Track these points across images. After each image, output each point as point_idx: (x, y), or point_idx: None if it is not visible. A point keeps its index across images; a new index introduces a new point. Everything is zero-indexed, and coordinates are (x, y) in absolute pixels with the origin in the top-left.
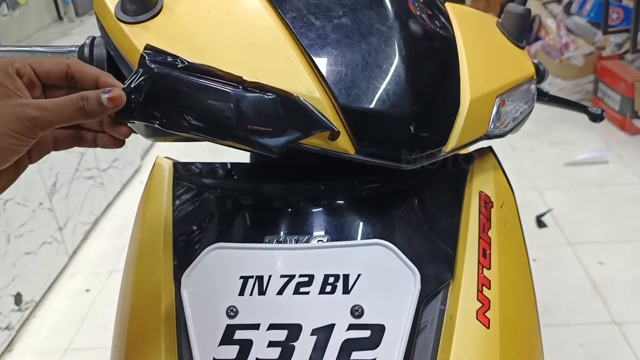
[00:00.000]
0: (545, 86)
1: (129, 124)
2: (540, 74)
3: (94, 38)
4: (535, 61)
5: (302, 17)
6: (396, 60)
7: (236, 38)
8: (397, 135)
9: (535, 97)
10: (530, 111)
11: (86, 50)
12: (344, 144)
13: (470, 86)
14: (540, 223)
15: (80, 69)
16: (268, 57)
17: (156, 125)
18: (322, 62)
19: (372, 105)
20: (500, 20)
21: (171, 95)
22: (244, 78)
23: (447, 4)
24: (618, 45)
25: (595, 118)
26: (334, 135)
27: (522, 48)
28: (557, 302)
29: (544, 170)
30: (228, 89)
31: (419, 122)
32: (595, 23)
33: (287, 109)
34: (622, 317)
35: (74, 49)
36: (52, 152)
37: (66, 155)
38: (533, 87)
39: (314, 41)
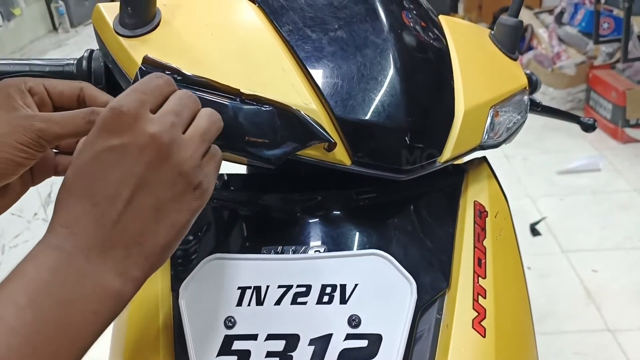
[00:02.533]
0: (538, 95)
1: None
2: (533, 85)
3: (92, 51)
4: (528, 72)
5: (299, 30)
6: (391, 72)
7: (233, 51)
8: (392, 146)
9: (528, 107)
10: (524, 122)
11: (84, 63)
12: (340, 155)
13: (465, 97)
14: (534, 231)
15: (92, 93)
16: (265, 69)
17: None
18: (318, 74)
19: (367, 117)
20: (493, 32)
21: None
22: (241, 90)
23: (440, 17)
24: (609, 55)
25: (588, 128)
26: (331, 146)
27: (515, 59)
28: (552, 310)
29: (537, 179)
30: (225, 101)
31: (414, 133)
32: (586, 33)
33: (284, 121)
34: (616, 324)
35: (72, 62)
36: None
37: None
38: (526, 97)
39: (310, 54)
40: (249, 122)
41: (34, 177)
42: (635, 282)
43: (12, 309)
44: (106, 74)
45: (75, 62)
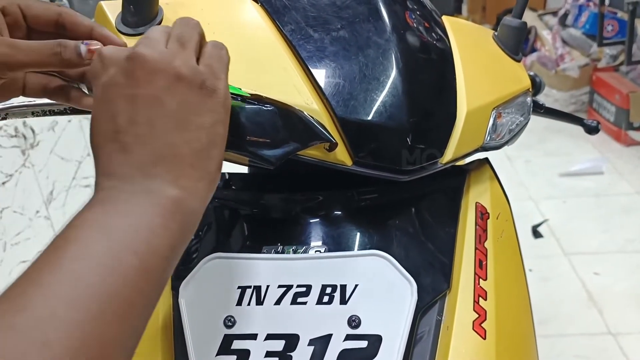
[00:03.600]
0: (541, 97)
1: None
2: (537, 86)
3: None
4: (532, 73)
5: (301, 29)
6: (393, 73)
7: (235, 50)
8: (394, 146)
9: (531, 109)
10: (527, 123)
11: None
12: (342, 155)
13: (467, 98)
14: (536, 233)
15: (72, 19)
16: (267, 69)
17: None
18: (320, 74)
19: (369, 117)
20: (496, 33)
21: None
22: (242, 89)
23: (444, 17)
24: (613, 57)
25: (591, 130)
26: (332, 146)
27: (518, 61)
28: (553, 313)
29: (539, 181)
30: None
31: (416, 133)
32: (590, 35)
33: (285, 121)
34: (617, 327)
35: None
36: (49, 162)
37: (63, 164)
38: (529, 99)
39: (312, 53)
40: (250, 122)
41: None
42: (637, 285)
43: (82, 245)
44: None
45: None
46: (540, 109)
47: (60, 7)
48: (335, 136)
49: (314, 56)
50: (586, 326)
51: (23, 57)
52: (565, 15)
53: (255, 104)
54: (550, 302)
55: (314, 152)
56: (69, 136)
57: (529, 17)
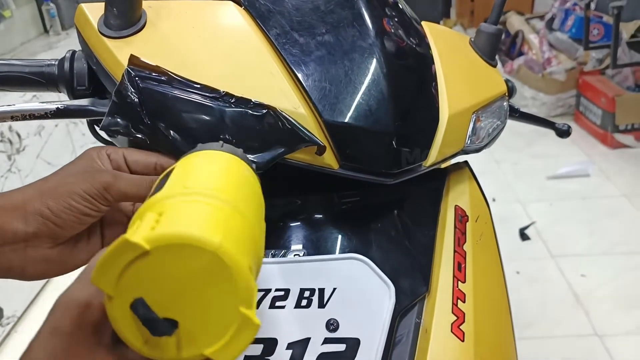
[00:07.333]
0: (529, 100)
1: (112, 140)
2: (510, 91)
3: (74, 52)
4: (505, 77)
5: (286, 33)
6: (378, 77)
7: (221, 54)
8: (380, 150)
9: (508, 113)
10: (503, 127)
11: (66, 64)
12: (328, 158)
13: (449, 102)
14: (524, 236)
15: (170, 164)
16: (253, 73)
17: (146, 143)
18: (306, 79)
19: (356, 121)
20: (473, 39)
21: (156, 111)
22: (229, 93)
23: (423, 23)
24: (599, 61)
25: (562, 134)
26: (321, 150)
27: (494, 66)
28: (540, 315)
29: (527, 184)
30: (212, 103)
31: (400, 137)
32: (576, 39)
33: (272, 125)
34: (604, 329)
35: (54, 62)
36: (36, 167)
37: (50, 169)
38: (506, 104)
39: (298, 58)
40: (236, 125)
41: (105, 241)
42: (623, 287)
43: None
44: (89, 75)
45: (56, 62)
46: (515, 113)
47: (156, 154)
48: (322, 140)
49: (300, 60)
50: (573, 328)
51: (124, 186)
52: (552, 19)
53: (241, 108)
54: (537, 304)
55: (301, 156)
56: (55, 141)
57: (516, 21)
